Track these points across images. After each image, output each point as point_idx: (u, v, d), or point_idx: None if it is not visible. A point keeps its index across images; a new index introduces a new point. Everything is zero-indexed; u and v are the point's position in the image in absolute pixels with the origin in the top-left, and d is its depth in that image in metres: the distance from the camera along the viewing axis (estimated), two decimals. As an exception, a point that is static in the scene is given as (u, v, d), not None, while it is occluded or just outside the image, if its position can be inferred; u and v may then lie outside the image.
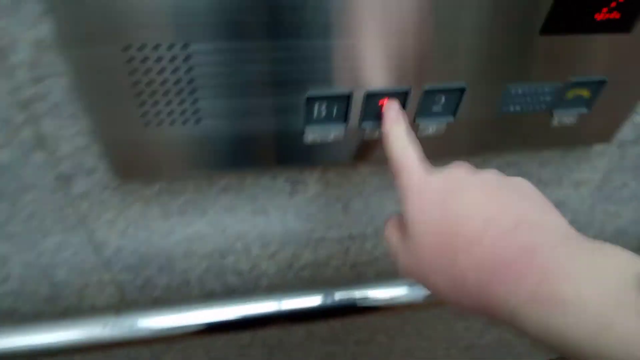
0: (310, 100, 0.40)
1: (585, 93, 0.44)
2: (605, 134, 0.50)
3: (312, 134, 0.42)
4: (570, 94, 0.43)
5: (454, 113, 0.43)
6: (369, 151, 0.46)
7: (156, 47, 0.33)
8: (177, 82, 0.35)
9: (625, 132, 0.53)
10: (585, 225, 0.66)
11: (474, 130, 0.45)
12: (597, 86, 0.43)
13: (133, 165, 0.42)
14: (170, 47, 0.33)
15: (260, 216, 0.54)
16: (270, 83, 0.37)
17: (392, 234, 0.35)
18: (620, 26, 0.38)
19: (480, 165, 0.54)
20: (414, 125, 0.43)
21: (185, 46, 0.34)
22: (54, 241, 0.51)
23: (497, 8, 0.36)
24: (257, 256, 0.59)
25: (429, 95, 0.41)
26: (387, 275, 0.68)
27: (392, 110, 0.39)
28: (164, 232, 0.53)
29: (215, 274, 0.60)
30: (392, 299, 0.59)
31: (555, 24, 0.37)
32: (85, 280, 0.57)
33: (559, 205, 0.62)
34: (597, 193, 0.62)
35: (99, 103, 0.36)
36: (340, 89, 0.39)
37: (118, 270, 0.56)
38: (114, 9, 0.31)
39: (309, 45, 0.36)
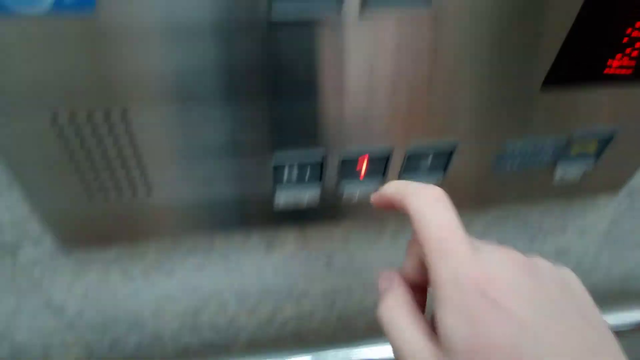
0: (279, 165, 0.35)
1: (591, 147, 0.39)
2: (613, 186, 0.45)
3: (284, 198, 0.37)
4: (575, 148, 0.38)
5: (443, 171, 0.38)
6: (351, 210, 0.41)
7: (89, 115, 0.28)
8: (120, 151, 0.31)
9: (636, 180, 0.48)
10: (590, 270, 0.61)
11: (466, 186, 0.40)
12: (605, 139, 0.39)
13: (81, 235, 0.37)
14: (107, 114, 0.29)
15: (234, 274, 0.49)
16: (231, 147, 0.33)
17: (414, 339, 0.22)
18: (634, 76, 0.34)
19: (475, 218, 0.49)
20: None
21: (124, 113, 0.29)
22: (8, 306, 0.46)
23: (493, 60, 0.31)
24: (234, 312, 0.54)
25: (415, 155, 0.36)
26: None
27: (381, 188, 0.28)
28: (129, 294, 0.48)
29: (190, 329, 0.56)
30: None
31: (559, 77, 0.33)
32: (48, 341, 0.52)
33: (562, 253, 0.57)
34: (603, 239, 0.57)
35: (32, 175, 0.32)
36: (312, 151, 0.34)
37: (82, 330, 0.52)
38: (32, 74, 0.26)
39: (273, 107, 0.31)
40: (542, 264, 0.23)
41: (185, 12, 0.25)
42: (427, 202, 0.24)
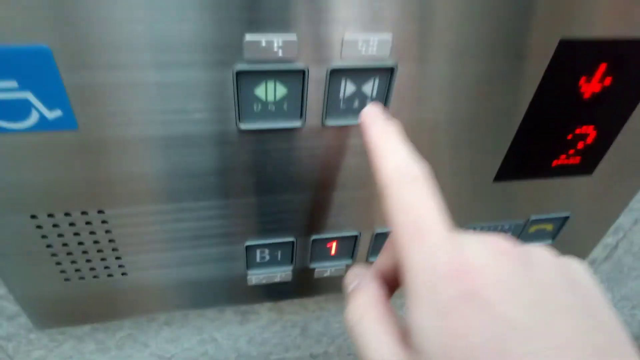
0: (251, 248, 0.36)
1: (548, 227, 0.41)
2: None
3: (256, 278, 0.38)
4: (533, 229, 0.41)
5: (409, 251, 0.40)
6: (324, 285, 0.42)
7: (67, 214, 0.30)
8: (96, 242, 0.32)
9: (596, 251, 0.50)
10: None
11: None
12: (560, 220, 0.41)
13: (57, 313, 0.38)
14: (83, 213, 0.30)
15: (209, 344, 0.49)
16: (205, 236, 0.34)
17: (385, 346, 0.19)
18: (581, 170, 0.36)
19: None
20: (367, 263, 0.40)
21: (100, 212, 0.30)
22: (-21, 379, 0.46)
23: (448, 157, 0.34)
24: (210, 378, 0.54)
25: (382, 237, 0.38)
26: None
27: (376, 120, 0.25)
28: (103, 364, 0.48)
29: (165, 396, 0.55)
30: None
31: (510, 171, 0.35)
32: (18, 411, 0.51)
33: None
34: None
35: (9, 261, 0.33)
36: (282, 237, 0.36)
37: (55, 400, 0.51)
38: (13, 180, 0.28)
39: (246, 203, 0.33)
40: (539, 254, 0.19)
41: (160, 126, 0.27)
42: (405, 180, 0.20)
